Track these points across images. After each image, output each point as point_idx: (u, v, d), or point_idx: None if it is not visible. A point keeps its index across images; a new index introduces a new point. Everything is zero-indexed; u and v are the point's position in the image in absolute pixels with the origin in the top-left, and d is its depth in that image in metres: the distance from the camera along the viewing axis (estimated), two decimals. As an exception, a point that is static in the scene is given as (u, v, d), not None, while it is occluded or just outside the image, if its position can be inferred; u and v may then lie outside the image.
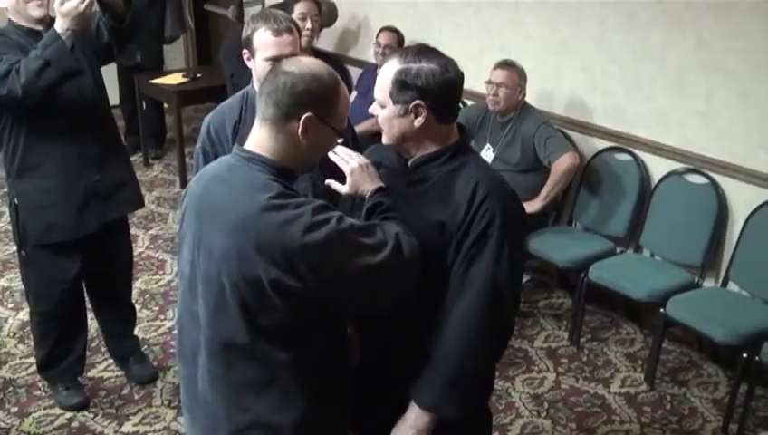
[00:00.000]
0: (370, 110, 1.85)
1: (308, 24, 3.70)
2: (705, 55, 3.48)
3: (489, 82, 3.85)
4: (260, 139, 1.66)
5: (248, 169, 1.64)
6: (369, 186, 1.81)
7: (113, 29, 2.85)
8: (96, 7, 2.79)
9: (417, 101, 1.74)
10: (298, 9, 3.78)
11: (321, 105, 1.64)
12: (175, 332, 3.67)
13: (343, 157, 1.83)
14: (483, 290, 1.74)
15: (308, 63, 1.68)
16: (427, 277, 1.73)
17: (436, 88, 1.74)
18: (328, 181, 1.88)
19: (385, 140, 1.85)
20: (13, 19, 2.81)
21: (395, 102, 1.76)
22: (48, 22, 2.76)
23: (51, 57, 2.61)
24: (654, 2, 3.62)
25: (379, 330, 1.87)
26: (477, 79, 4.09)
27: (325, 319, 1.68)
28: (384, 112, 1.79)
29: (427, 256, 1.72)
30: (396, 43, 4.67)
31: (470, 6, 4.55)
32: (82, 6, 2.59)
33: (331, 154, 1.80)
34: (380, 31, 4.79)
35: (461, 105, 4.60)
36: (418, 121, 1.76)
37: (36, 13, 2.75)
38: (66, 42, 2.64)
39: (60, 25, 2.63)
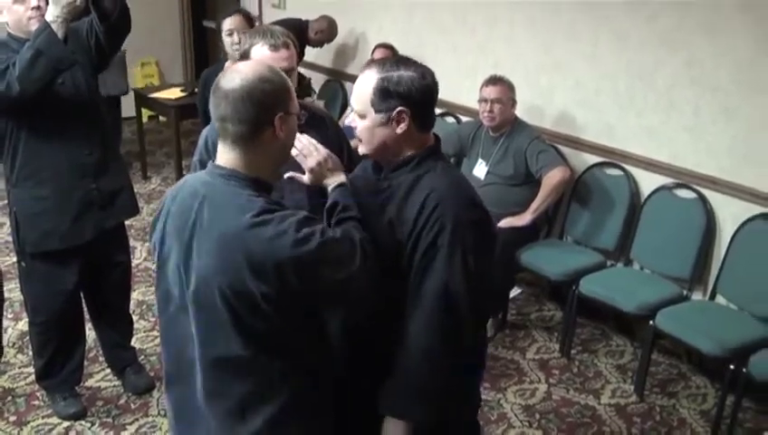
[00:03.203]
0: (348, 121, 1.86)
1: (235, 38, 3.79)
2: (695, 73, 3.54)
3: (483, 100, 3.89)
4: (234, 158, 1.66)
5: (227, 187, 1.64)
6: (329, 180, 1.84)
7: (103, 28, 2.84)
8: (86, 18, 2.83)
9: (399, 108, 1.76)
10: (226, 26, 3.86)
11: (283, 100, 1.66)
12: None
13: (303, 151, 1.84)
14: (436, 299, 1.74)
15: (245, 70, 1.65)
16: (387, 286, 1.76)
17: (417, 94, 1.76)
18: (289, 174, 1.90)
19: (363, 150, 1.85)
20: (12, 33, 2.86)
21: (377, 111, 1.77)
22: None
23: (41, 46, 2.63)
24: (645, 21, 3.70)
25: (350, 341, 1.89)
26: (471, 95, 4.16)
27: (312, 329, 1.73)
28: (365, 122, 1.80)
29: (385, 263, 1.74)
30: (391, 59, 4.74)
31: (466, 25, 4.63)
32: None
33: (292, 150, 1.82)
34: (376, 47, 4.86)
35: (456, 121, 4.69)
36: (401, 129, 1.78)
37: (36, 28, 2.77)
38: (57, 31, 2.65)
39: (51, 12, 2.66)
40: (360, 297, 1.74)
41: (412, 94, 1.75)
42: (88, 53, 2.91)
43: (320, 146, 1.87)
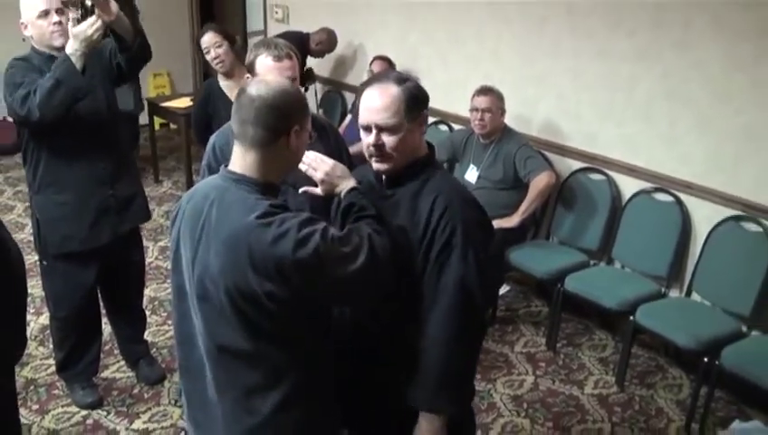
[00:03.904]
0: (370, 142, 1.87)
1: (212, 54, 3.94)
2: (670, 86, 3.71)
3: (475, 109, 4.04)
4: (248, 163, 1.73)
5: (237, 190, 1.71)
6: (341, 186, 1.89)
7: (123, 57, 3.01)
8: (111, 39, 2.98)
9: (424, 111, 1.90)
10: (202, 45, 3.99)
11: (300, 115, 1.75)
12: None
13: (311, 165, 1.89)
14: (456, 293, 1.82)
15: (271, 83, 1.76)
16: (401, 283, 1.83)
17: (427, 98, 1.91)
18: (303, 189, 1.98)
19: (392, 163, 1.87)
20: (36, 47, 3.00)
21: (410, 120, 1.84)
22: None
23: (61, 77, 2.75)
24: (623, 37, 3.87)
25: (363, 337, 1.94)
26: (462, 104, 4.32)
27: (317, 325, 1.80)
28: (397, 136, 1.84)
29: (398, 263, 1.79)
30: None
31: (457, 40, 4.80)
32: (91, 31, 2.77)
33: (300, 165, 1.88)
34: (374, 59, 5.01)
35: (448, 129, 4.86)
36: (422, 131, 1.89)
37: (58, 42, 2.93)
38: (76, 63, 2.77)
39: (71, 46, 2.78)
40: (366, 291, 1.76)
41: (425, 97, 1.91)
42: (110, 72, 3.07)
43: (326, 157, 1.92)
